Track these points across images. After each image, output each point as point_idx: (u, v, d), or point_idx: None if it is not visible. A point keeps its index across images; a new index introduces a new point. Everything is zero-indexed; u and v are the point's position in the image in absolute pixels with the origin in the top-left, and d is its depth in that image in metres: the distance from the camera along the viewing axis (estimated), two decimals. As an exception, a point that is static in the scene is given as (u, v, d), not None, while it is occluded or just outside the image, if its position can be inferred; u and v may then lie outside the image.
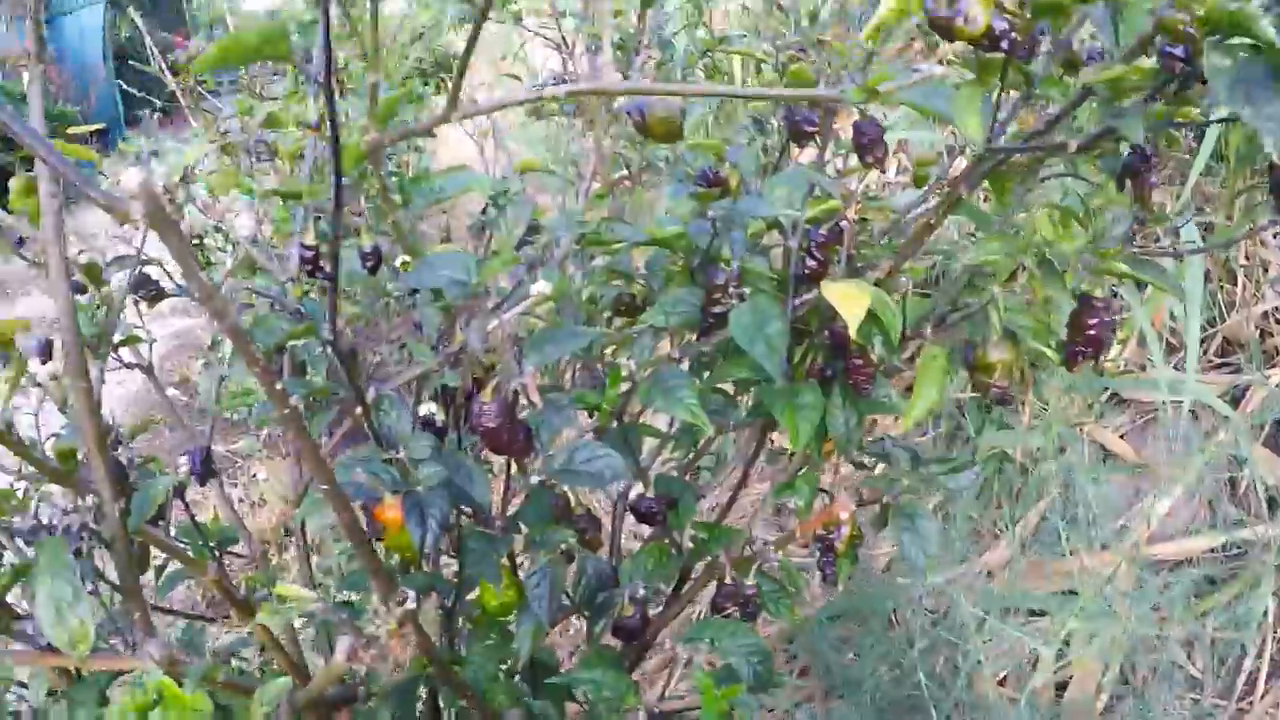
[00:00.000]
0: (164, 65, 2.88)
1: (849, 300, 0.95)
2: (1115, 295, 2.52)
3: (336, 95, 0.88)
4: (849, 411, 1.14)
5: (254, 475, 4.71)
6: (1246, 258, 2.61)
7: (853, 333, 0.96)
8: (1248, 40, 0.72)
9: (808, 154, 1.64)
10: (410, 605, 0.90)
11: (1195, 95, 0.86)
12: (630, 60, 1.57)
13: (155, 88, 3.48)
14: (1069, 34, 0.91)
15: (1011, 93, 0.95)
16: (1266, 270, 2.59)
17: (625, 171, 1.67)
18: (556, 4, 1.71)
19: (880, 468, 1.25)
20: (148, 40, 2.89)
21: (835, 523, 1.15)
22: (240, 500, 4.27)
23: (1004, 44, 0.82)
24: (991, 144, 0.95)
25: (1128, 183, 0.97)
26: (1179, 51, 0.78)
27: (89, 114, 10.03)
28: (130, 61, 4.13)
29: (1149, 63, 0.83)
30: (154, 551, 1.23)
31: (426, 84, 7.48)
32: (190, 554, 1.30)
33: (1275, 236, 2.64)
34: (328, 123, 0.87)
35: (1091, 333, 1.00)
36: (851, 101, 0.87)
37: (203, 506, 3.11)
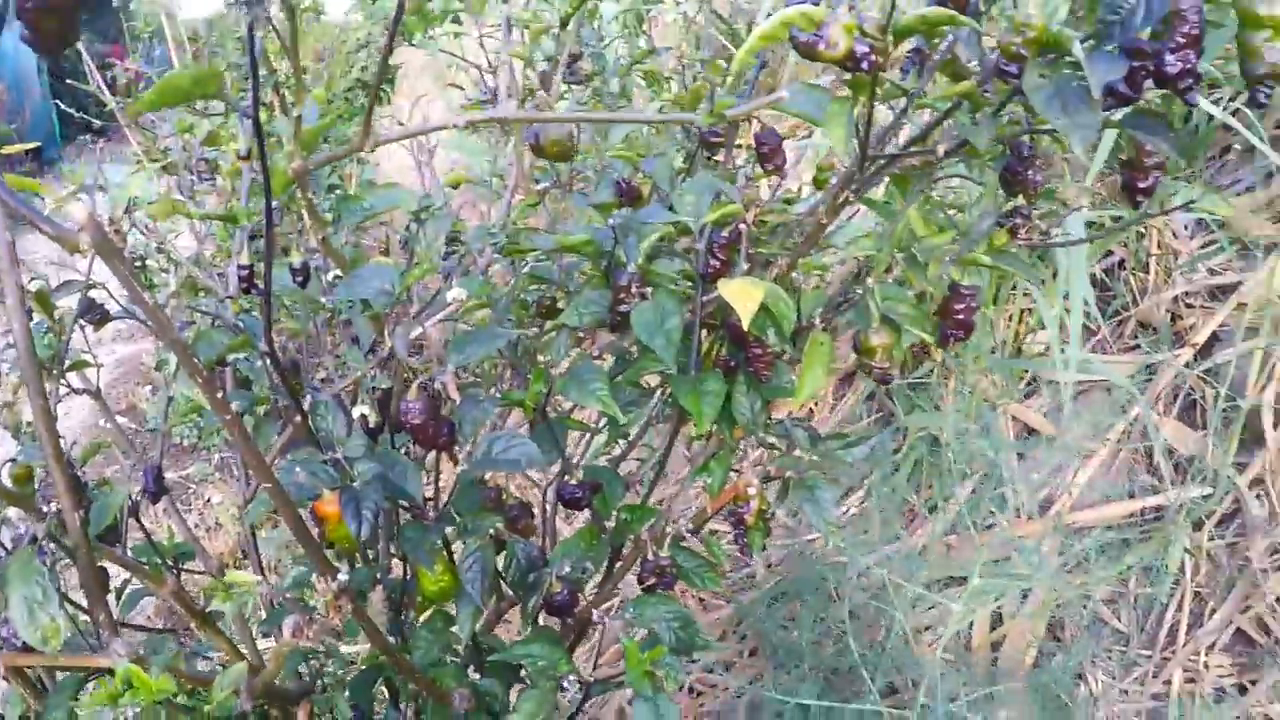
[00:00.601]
0: (102, 82, 2.91)
1: (742, 296, 1.03)
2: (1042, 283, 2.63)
3: (277, 113, 0.97)
4: (752, 397, 1.23)
5: (208, 500, 4.74)
6: (1159, 247, 2.73)
7: (745, 326, 1.04)
8: (1069, 58, 0.82)
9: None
10: (344, 578, 0.98)
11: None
12: (557, 74, 1.64)
13: (92, 104, 3.48)
14: (943, 50, 1.00)
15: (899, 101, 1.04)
16: (1177, 257, 2.71)
17: (555, 179, 1.75)
18: (483, 23, 1.77)
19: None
20: (85, 55, 2.91)
21: (744, 498, 1.24)
22: (195, 525, 4.30)
23: (864, 65, 0.88)
24: (871, 151, 1.04)
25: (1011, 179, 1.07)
26: (1013, 69, 0.87)
27: (24, 131, 9.90)
28: (67, 80, 4.13)
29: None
30: (113, 577, 1.29)
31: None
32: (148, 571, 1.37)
33: (1185, 227, 2.76)
34: (257, 152, 0.95)
35: (960, 317, 1.10)
36: (703, 124, 0.96)
37: (157, 530, 3.16)
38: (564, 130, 1.18)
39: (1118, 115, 0.89)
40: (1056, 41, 0.82)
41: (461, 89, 3.78)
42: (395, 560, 1.44)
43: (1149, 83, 0.83)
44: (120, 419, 1.90)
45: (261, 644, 1.72)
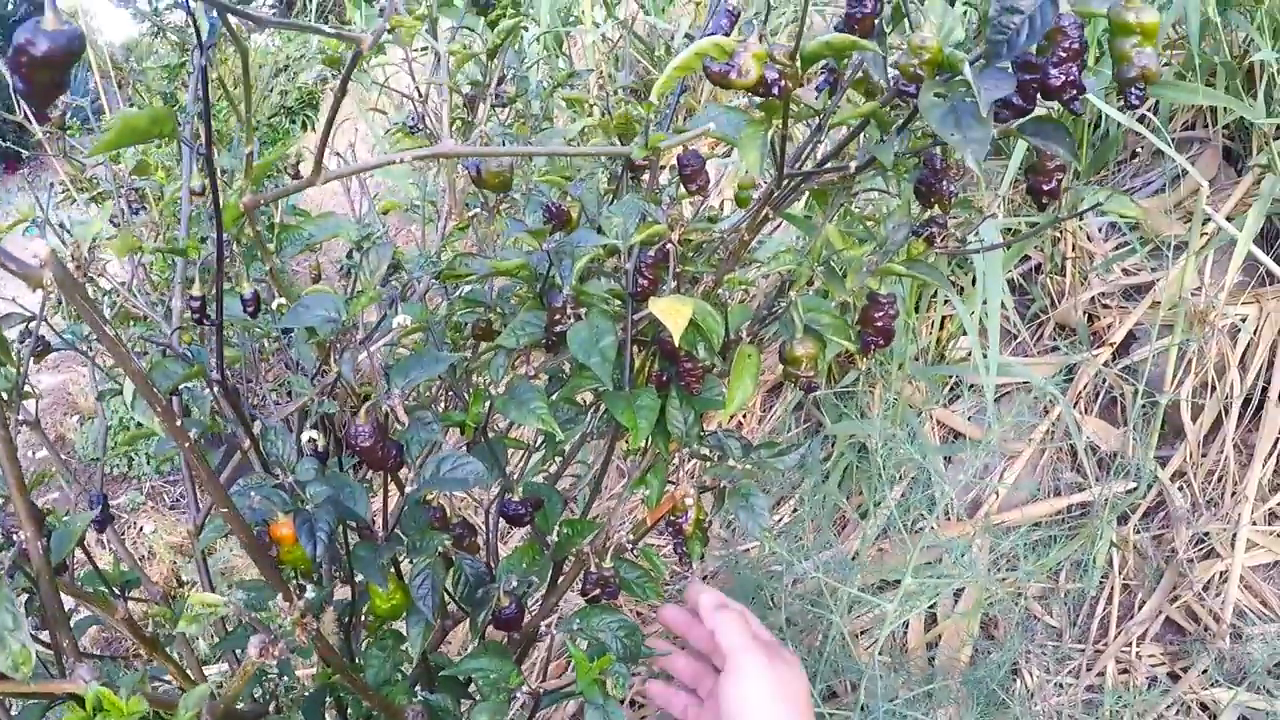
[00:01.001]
0: (30, 113, 2.90)
1: (671, 313, 1.07)
2: (961, 289, 2.70)
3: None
4: (685, 410, 1.28)
5: (140, 529, 4.73)
6: (1074, 250, 2.82)
7: (676, 341, 1.08)
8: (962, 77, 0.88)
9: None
10: (310, 595, 1.01)
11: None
12: (486, 101, 1.67)
13: (10, 131, 3.46)
14: (853, 68, 1.06)
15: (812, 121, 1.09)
16: (1092, 260, 2.80)
17: (483, 203, 1.78)
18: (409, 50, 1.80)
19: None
20: (10, 80, 2.89)
21: (682, 508, 1.29)
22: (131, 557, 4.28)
23: (775, 90, 0.92)
24: (787, 169, 1.09)
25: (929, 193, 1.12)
26: (912, 89, 0.93)
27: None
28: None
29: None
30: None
31: (294, 121, 7.51)
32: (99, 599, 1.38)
33: (1099, 230, 2.85)
34: (210, 189, 0.99)
35: (879, 324, 1.15)
36: (637, 156, 1.01)
37: (98, 559, 3.15)
38: (504, 162, 1.22)
39: (1017, 125, 0.95)
40: (950, 63, 0.87)
41: (384, 113, 3.81)
42: (340, 581, 1.47)
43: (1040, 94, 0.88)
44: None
45: (208, 669, 1.75)
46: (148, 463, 5.25)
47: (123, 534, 4.58)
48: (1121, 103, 0.88)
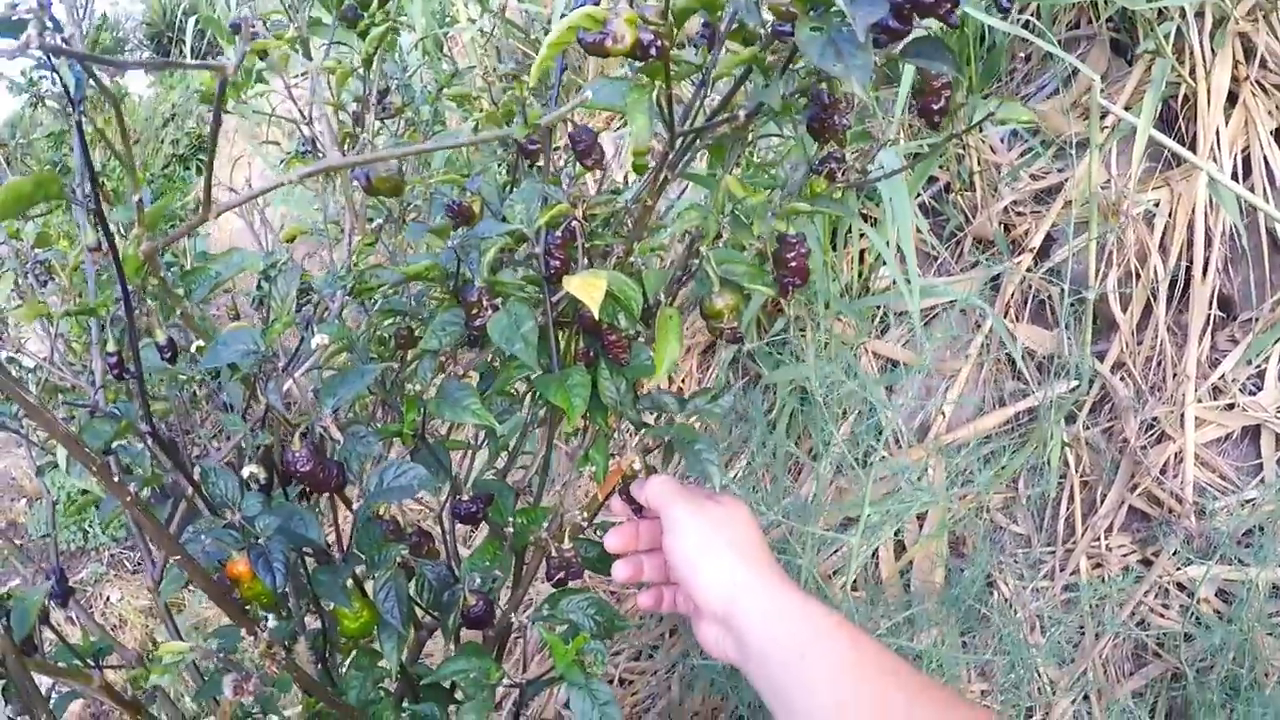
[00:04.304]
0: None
1: (587, 289, 1.07)
2: (871, 222, 2.72)
3: (106, 213, 1.00)
4: (616, 380, 1.28)
5: (107, 599, 4.70)
6: (979, 164, 2.85)
7: (596, 315, 1.09)
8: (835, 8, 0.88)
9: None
10: (273, 625, 1.02)
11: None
12: (370, 112, 1.67)
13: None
14: (728, 20, 1.06)
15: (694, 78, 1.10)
16: (999, 171, 2.83)
17: (387, 215, 1.78)
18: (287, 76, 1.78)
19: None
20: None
21: (631, 475, 1.29)
22: (99, 626, 4.26)
23: (653, 52, 0.92)
24: (678, 129, 1.09)
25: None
26: (788, 28, 0.93)
27: None
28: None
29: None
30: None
31: (188, 168, 7.45)
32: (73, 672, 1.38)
33: (1002, 140, 2.88)
34: (105, 243, 0.98)
35: (793, 264, 1.16)
36: (519, 137, 1.01)
37: (67, 636, 3.13)
38: (391, 166, 1.22)
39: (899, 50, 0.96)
40: (820, -4, 0.88)
41: (277, 144, 3.78)
42: (310, 610, 1.47)
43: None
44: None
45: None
46: (103, 532, 5.21)
47: (90, 606, 4.55)
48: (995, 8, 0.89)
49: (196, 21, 5.51)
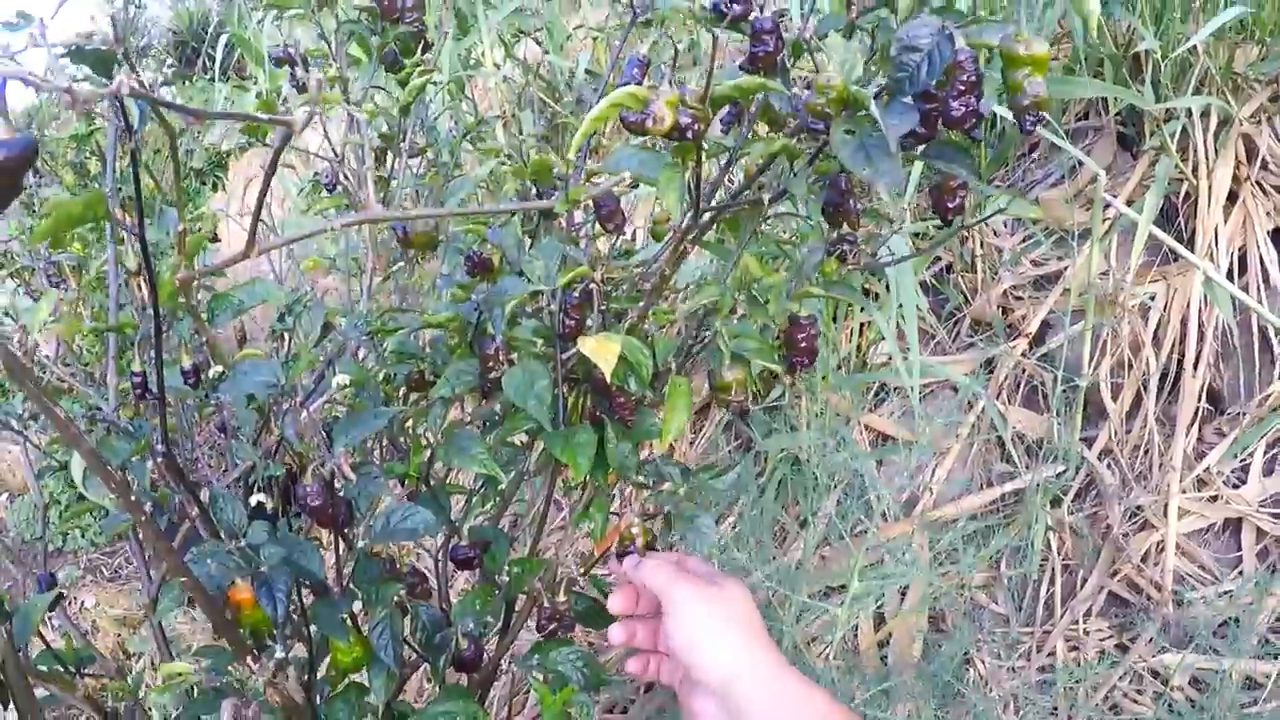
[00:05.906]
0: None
1: (601, 351, 1.10)
2: (872, 296, 2.76)
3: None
4: (622, 443, 1.32)
5: (82, 604, 4.69)
6: (982, 247, 2.89)
7: (608, 377, 1.12)
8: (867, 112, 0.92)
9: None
10: (279, 655, 1.04)
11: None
12: (401, 158, 1.69)
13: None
14: (758, 103, 1.10)
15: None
16: (1001, 254, 2.88)
17: (403, 255, 1.80)
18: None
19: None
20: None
21: (629, 538, 1.32)
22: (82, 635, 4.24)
23: (689, 134, 0.95)
24: (703, 205, 1.13)
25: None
26: (820, 126, 0.97)
27: None
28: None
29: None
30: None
31: (203, 183, 7.45)
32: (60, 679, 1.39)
33: (1005, 225, 2.93)
34: (145, 269, 1.01)
35: (803, 345, 1.19)
36: (560, 209, 1.04)
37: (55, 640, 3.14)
38: (429, 222, 1.25)
39: (920, 151, 1.00)
40: (856, 100, 0.92)
41: (293, 168, 3.80)
42: (296, 639, 1.49)
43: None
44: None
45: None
46: (82, 536, 5.20)
47: (66, 610, 4.53)
48: (1018, 127, 0.93)
49: (228, 41, 5.53)
